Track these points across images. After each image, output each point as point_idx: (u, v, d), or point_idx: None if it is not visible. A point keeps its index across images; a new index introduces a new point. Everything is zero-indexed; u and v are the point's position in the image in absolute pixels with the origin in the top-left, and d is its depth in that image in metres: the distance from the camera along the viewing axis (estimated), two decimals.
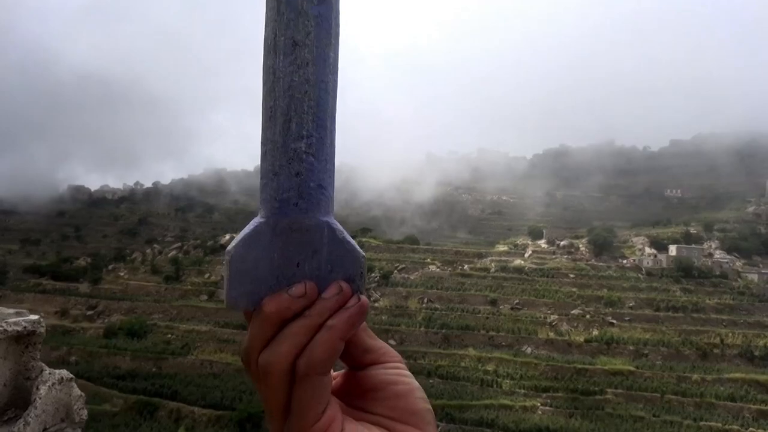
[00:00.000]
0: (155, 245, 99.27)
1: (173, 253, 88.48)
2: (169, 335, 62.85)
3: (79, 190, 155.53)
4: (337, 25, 0.62)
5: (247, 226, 0.61)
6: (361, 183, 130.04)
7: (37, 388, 2.17)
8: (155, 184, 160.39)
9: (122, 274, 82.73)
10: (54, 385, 2.23)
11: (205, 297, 72.41)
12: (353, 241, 0.63)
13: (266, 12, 0.61)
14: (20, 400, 2.18)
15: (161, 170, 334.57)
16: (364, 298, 0.60)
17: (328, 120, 0.61)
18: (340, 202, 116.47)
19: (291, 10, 0.58)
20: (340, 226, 0.63)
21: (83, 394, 2.42)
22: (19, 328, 2.21)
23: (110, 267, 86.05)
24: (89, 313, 71.37)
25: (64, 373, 2.34)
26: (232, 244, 0.63)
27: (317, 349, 0.55)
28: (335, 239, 0.62)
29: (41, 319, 2.34)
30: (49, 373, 2.26)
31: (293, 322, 0.57)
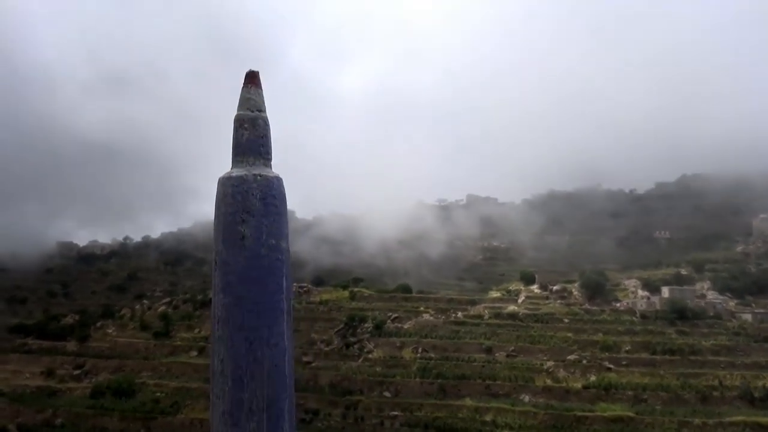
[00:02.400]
0: (144, 301, 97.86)
1: (162, 308, 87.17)
2: (159, 393, 61.28)
3: (67, 246, 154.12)
4: None
5: None
6: (364, 234, 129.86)
7: None
8: (144, 238, 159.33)
9: (110, 331, 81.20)
10: None
11: (195, 353, 71.00)
12: None
13: None
14: None
15: (151, 224, 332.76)
16: None
17: None
18: (342, 254, 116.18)
19: None
20: None
21: None
22: None
23: (98, 324, 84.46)
24: (76, 372, 69.61)
25: None
26: None
27: None
28: None
29: None
30: None
31: None
